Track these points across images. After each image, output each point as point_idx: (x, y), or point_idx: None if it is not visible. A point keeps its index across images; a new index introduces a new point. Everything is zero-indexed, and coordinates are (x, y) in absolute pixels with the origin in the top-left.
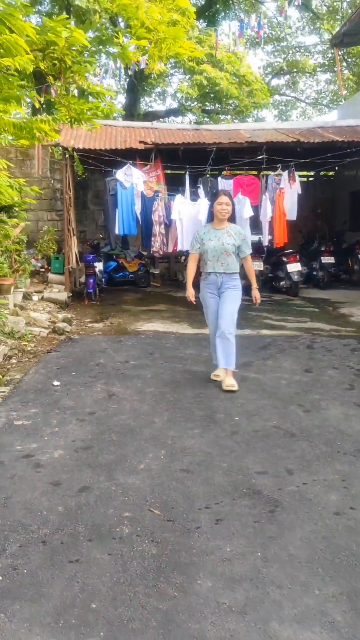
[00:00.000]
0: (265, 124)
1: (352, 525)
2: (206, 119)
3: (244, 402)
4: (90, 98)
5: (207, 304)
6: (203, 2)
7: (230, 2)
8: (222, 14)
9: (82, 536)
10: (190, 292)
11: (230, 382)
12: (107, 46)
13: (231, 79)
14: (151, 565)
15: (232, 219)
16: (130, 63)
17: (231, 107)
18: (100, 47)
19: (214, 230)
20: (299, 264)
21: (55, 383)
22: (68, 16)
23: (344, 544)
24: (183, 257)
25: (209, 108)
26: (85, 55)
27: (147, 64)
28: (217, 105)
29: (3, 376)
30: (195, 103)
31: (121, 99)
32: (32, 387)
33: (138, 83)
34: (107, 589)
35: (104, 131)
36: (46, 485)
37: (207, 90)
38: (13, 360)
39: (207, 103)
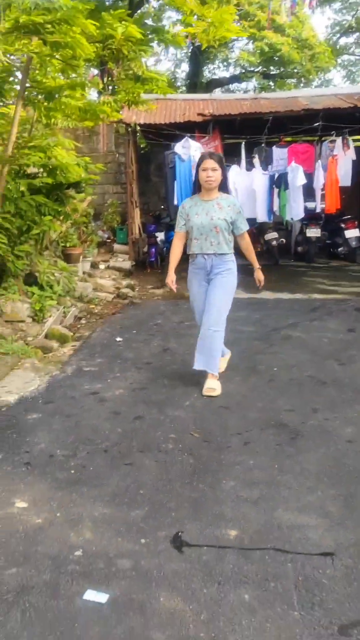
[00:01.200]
0: (325, 90)
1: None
2: (270, 84)
3: (285, 357)
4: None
5: (194, 293)
6: None
7: None
8: None
9: (135, 449)
10: (170, 278)
11: (211, 385)
12: (158, 37)
13: (293, 44)
14: (187, 470)
15: (223, 187)
16: (183, 46)
17: (295, 72)
18: (154, 35)
19: (202, 203)
20: (357, 230)
21: (118, 339)
22: (124, 10)
23: (350, 463)
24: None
25: (274, 72)
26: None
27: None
28: (281, 69)
29: (74, 333)
30: (260, 67)
31: (185, 67)
32: (98, 343)
33: (200, 52)
34: (152, 483)
35: (164, 105)
36: (108, 414)
37: (266, 59)
38: (82, 321)
39: (271, 67)
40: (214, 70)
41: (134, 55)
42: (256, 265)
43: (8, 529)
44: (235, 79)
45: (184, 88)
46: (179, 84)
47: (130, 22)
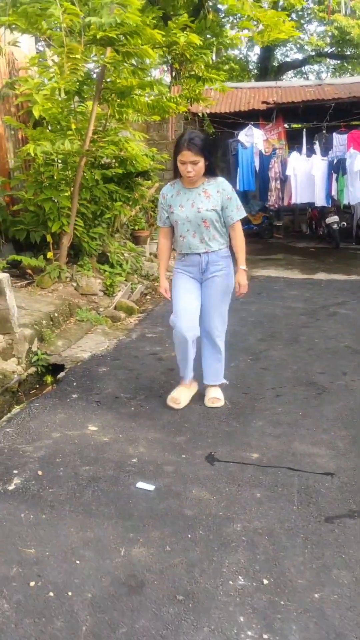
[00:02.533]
0: None
1: None
2: (345, 64)
3: (326, 330)
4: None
5: (181, 289)
6: None
7: None
8: None
9: None
10: (163, 286)
11: (216, 394)
12: (218, 41)
13: None
14: (225, 412)
15: (210, 171)
16: (240, 46)
17: None
18: (214, 39)
19: (185, 191)
20: None
21: None
22: (186, 18)
23: None
24: (309, 210)
25: (348, 53)
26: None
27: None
28: (355, 50)
29: (140, 307)
30: (332, 48)
31: (258, 50)
32: (160, 314)
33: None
34: (195, 420)
35: (230, 94)
36: (164, 369)
37: (339, 40)
38: (147, 297)
39: (345, 49)
40: (287, 53)
41: (195, 58)
42: (241, 264)
43: (83, 442)
44: (306, 61)
45: (256, 71)
46: (251, 67)
47: (193, 27)
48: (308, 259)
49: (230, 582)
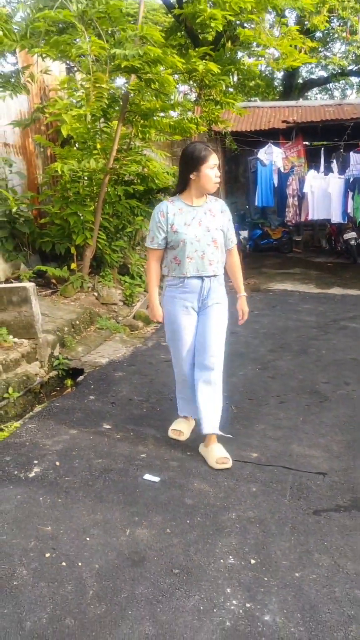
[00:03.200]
0: None
1: None
2: None
3: (335, 343)
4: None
5: (179, 325)
6: None
7: None
8: None
9: None
10: (156, 312)
11: (221, 455)
12: (235, 68)
13: None
14: (230, 415)
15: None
16: (257, 74)
17: None
18: (231, 66)
19: (189, 209)
20: None
21: None
22: (206, 48)
23: None
24: (328, 225)
25: None
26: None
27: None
28: None
29: None
30: (357, 66)
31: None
32: None
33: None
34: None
35: (252, 113)
36: None
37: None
38: None
39: None
40: (312, 70)
41: (214, 84)
42: (241, 291)
43: (97, 439)
44: (329, 79)
45: (280, 88)
46: (276, 83)
47: (213, 55)
48: (324, 273)
49: (221, 561)
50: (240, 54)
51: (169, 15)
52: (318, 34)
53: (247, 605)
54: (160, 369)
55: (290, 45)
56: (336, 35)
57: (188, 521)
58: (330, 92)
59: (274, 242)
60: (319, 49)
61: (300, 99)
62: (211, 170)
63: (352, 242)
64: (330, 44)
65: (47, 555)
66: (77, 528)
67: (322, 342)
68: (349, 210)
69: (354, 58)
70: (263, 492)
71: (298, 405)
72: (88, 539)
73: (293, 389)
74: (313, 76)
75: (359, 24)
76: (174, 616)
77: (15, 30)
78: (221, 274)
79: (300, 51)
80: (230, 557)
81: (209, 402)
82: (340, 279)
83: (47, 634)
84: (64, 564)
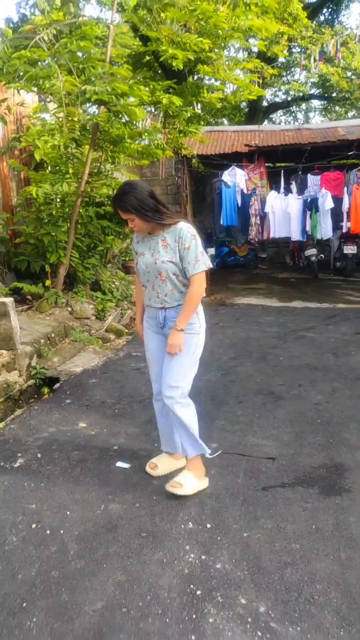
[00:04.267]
0: None
1: (321, 409)
2: (331, 105)
3: (292, 350)
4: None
5: (147, 348)
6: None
7: None
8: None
9: None
10: (138, 330)
11: (176, 481)
12: (196, 100)
13: (343, 74)
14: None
15: (155, 218)
16: (217, 107)
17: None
18: (193, 98)
19: (148, 239)
20: None
21: None
22: (169, 82)
23: (310, 415)
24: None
25: (334, 95)
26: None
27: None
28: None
29: (128, 330)
30: (318, 90)
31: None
32: None
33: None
34: None
35: (217, 136)
36: (145, 382)
37: (321, 84)
38: (134, 321)
39: (330, 92)
40: (276, 93)
41: (177, 114)
42: (179, 322)
43: (74, 435)
44: (294, 101)
45: (247, 110)
46: (242, 105)
47: (176, 88)
48: (287, 288)
49: (182, 526)
50: (206, 80)
51: (137, 38)
52: (281, 60)
53: (203, 557)
54: (130, 376)
55: (248, 79)
56: (296, 63)
57: (154, 497)
58: (294, 114)
59: (240, 259)
60: (282, 74)
61: (265, 121)
62: (129, 223)
63: (313, 258)
64: (292, 69)
65: (33, 526)
66: (59, 505)
67: (280, 350)
68: (308, 228)
69: (314, 83)
70: (220, 474)
71: (254, 404)
72: (68, 513)
73: (251, 390)
74: (277, 99)
75: (316, 53)
76: (141, 567)
77: None
78: (179, 304)
79: (258, 82)
80: (190, 523)
81: (166, 426)
82: (301, 293)
83: (36, 583)
84: (48, 532)
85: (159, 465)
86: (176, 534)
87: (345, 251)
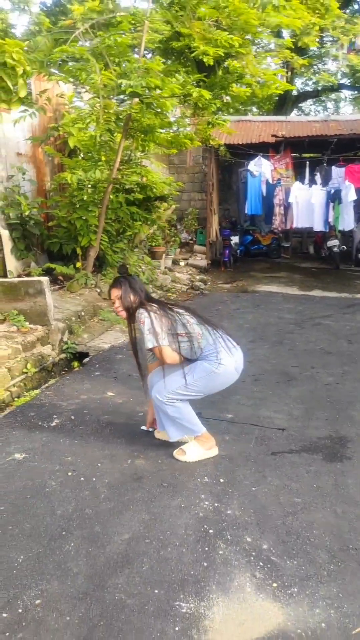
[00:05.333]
0: None
1: (331, 389)
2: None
3: (308, 336)
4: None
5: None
6: None
7: None
8: None
9: None
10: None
11: (182, 449)
12: (225, 93)
13: None
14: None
15: (127, 307)
16: (245, 99)
17: None
18: (222, 91)
19: None
20: None
21: None
22: (200, 75)
23: (320, 394)
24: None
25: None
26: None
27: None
28: None
29: None
30: (349, 79)
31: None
32: None
33: (289, 70)
34: None
35: (244, 126)
36: None
37: (351, 75)
38: None
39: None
40: (306, 82)
41: (206, 107)
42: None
43: (103, 402)
44: (323, 91)
45: (276, 98)
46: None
47: (207, 81)
48: (308, 277)
49: (199, 479)
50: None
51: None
52: (312, 49)
53: (215, 504)
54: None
55: (274, 74)
56: (327, 52)
57: (184, 460)
58: (324, 104)
59: (263, 248)
60: (313, 63)
61: (295, 110)
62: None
63: (335, 249)
64: (324, 59)
65: (69, 474)
66: (91, 458)
67: (297, 335)
68: (330, 219)
69: (344, 73)
70: (234, 440)
71: (269, 382)
72: (99, 464)
73: (267, 370)
74: (308, 88)
75: (345, 46)
76: (162, 509)
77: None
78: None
79: (285, 77)
80: (205, 477)
81: (157, 415)
82: (322, 282)
83: (73, 517)
84: (82, 479)
85: (186, 450)
86: (193, 485)
87: None
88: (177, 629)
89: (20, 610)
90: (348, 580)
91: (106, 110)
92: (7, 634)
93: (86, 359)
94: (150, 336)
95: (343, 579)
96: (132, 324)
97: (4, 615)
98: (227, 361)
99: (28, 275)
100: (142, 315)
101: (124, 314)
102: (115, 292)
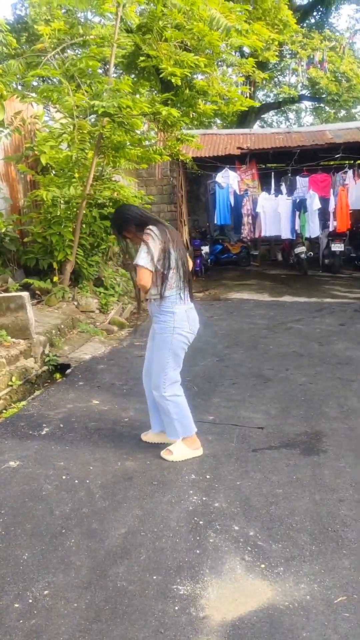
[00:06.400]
0: (350, 124)
1: (305, 389)
2: (321, 105)
3: (281, 340)
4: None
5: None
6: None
7: None
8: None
9: None
10: None
11: (168, 449)
12: (192, 110)
13: (331, 77)
14: (192, 393)
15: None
16: (211, 117)
17: (334, 101)
18: (190, 108)
19: None
20: None
21: None
22: (168, 95)
23: (294, 394)
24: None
25: (324, 96)
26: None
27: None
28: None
29: (129, 322)
30: (308, 91)
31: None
32: (146, 328)
33: (250, 83)
34: None
35: (210, 140)
36: None
37: (311, 86)
38: (135, 315)
39: (320, 93)
40: (268, 94)
41: (174, 124)
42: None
43: (89, 410)
44: (284, 103)
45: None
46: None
47: (175, 100)
48: (278, 284)
49: (186, 477)
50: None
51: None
52: (273, 62)
53: (204, 498)
54: (135, 362)
55: (240, 92)
56: (286, 66)
57: (171, 460)
58: (285, 115)
59: (233, 257)
60: (275, 76)
61: (257, 121)
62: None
63: (302, 255)
64: (283, 72)
65: (64, 477)
66: (83, 462)
67: (270, 339)
68: (297, 227)
69: (304, 85)
70: (217, 439)
71: (246, 385)
72: (91, 467)
73: (243, 374)
74: (269, 99)
75: (304, 63)
76: (154, 505)
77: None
78: (152, 298)
79: (249, 94)
80: (192, 474)
81: (156, 412)
82: (291, 288)
83: (71, 516)
84: (76, 481)
85: (173, 450)
86: (181, 482)
87: (333, 249)
88: (176, 608)
89: (30, 601)
90: (329, 558)
91: (80, 131)
92: (21, 621)
93: (68, 370)
94: (144, 254)
95: (324, 557)
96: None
97: (16, 605)
98: (180, 326)
99: (6, 290)
100: (150, 233)
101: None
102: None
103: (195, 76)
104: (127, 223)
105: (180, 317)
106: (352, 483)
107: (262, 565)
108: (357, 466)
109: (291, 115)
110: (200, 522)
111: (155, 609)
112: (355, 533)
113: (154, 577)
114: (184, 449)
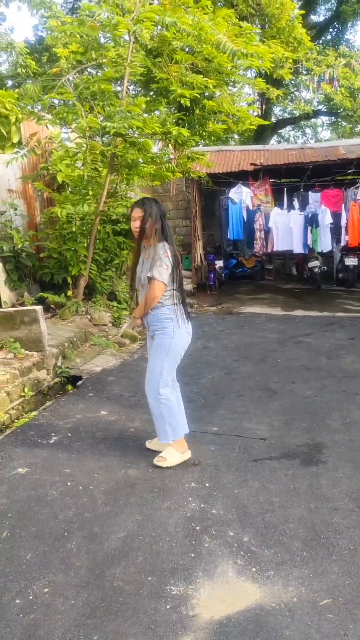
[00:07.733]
0: None
1: (310, 402)
2: (339, 120)
3: (289, 354)
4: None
5: (147, 344)
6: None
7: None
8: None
9: None
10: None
11: (161, 456)
12: (203, 129)
13: (346, 93)
14: (198, 405)
15: (162, 233)
16: (221, 135)
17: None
18: (200, 128)
19: (143, 251)
20: None
21: None
22: (179, 114)
23: (299, 407)
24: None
25: (340, 111)
26: None
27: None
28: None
29: (141, 335)
30: (324, 106)
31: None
32: None
33: (265, 100)
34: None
35: (224, 156)
36: None
37: (326, 102)
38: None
39: (335, 108)
40: (285, 109)
41: (185, 142)
42: (133, 313)
43: (97, 420)
44: (300, 118)
45: (255, 127)
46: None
47: (186, 119)
48: (291, 298)
49: (186, 485)
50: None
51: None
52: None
53: (202, 505)
54: (144, 374)
55: (250, 111)
56: (301, 83)
57: (164, 466)
58: (302, 130)
59: (248, 271)
60: (290, 92)
61: (274, 137)
62: (132, 222)
63: (316, 269)
64: (298, 88)
65: (69, 483)
66: (88, 470)
67: (279, 353)
68: (309, 242)
69: (319, 101)
70: (219, 449)
71: (252, 397)
72: (95, 475)
73: (250, 387)
74: (286, 114)
75: (315, 82)
76: (154, 511)
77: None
78: (155, 308)
79: (258, 112)
80: (192, 483)
81: (153, 415)
82: (304, 302)
83: (74, 520)
84: (80, 488)
85: (166, 456)
86: (181, 490)
87: (346, 263)
88: (168, 607)
89: (31, 597)
90: (318, 563)
91: (92, 151)
92: (21, 615)
93: (79, 382)
94: (161, 269)
95: (314, 563)
96: (141, 242)
97: (17, 601)
98: (178, 330)
99: (22, 304)
100: (167, 249)
101: (137, 232)
102: (138, 212)
103: (205, 95)
104: (161, 220)
105: (179, 323)
106: (348, 493)
107: (254, 569)
108: (354, 477)
109: (308, 130)
110: (197, 528)
111: (148, 607)
112: (347, 540)
113: (149, 578)
114: (175, 453)
